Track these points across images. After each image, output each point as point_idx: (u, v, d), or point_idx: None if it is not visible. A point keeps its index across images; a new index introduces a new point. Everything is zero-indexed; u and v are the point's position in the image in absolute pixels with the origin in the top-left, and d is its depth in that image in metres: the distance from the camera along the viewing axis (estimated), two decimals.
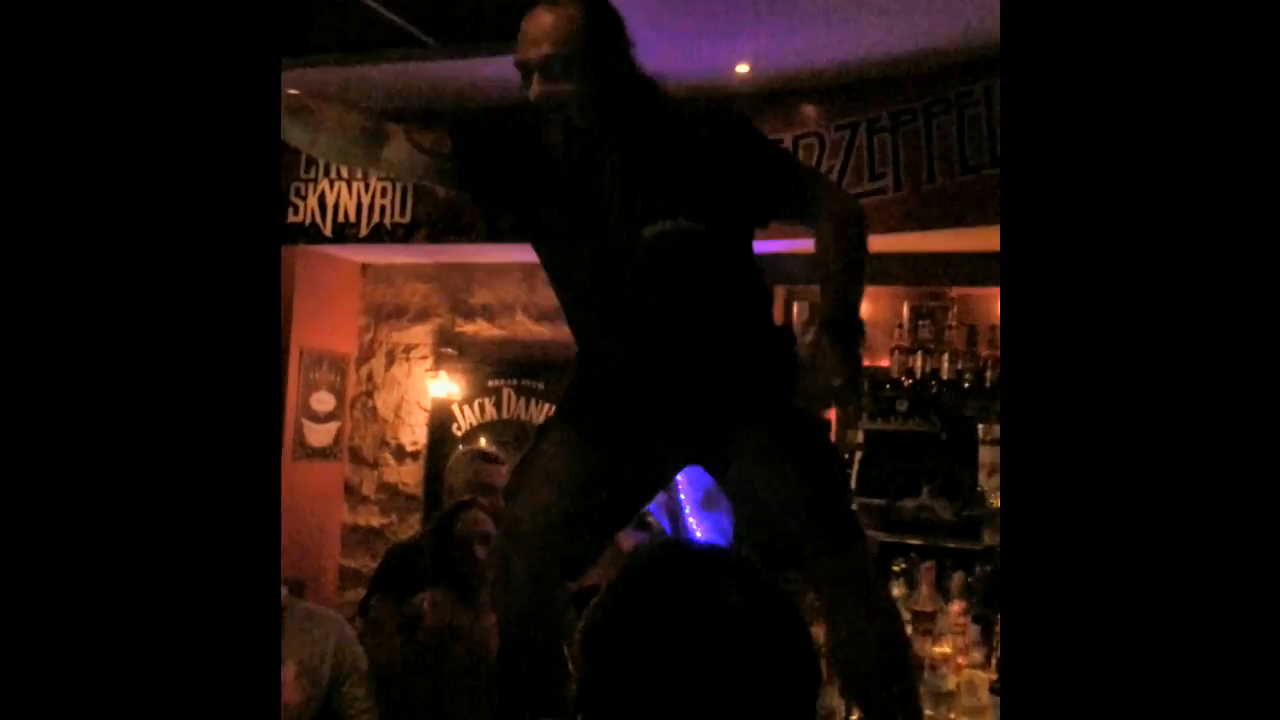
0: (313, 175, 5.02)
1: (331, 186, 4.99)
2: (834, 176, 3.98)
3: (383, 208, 4.91)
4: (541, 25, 1.73)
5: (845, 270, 1.86)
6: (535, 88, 1.74)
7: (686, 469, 2.11)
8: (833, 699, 3.53)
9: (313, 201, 5.01)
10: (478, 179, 1.90)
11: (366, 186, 4.94)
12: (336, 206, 4.98)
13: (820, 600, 1.96)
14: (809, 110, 4.10)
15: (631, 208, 1.78)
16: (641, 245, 1.77)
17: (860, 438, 4.31)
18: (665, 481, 2.08)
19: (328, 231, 4.99)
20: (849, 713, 3.44)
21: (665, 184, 1.79)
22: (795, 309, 4.66)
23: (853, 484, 4.24)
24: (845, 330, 1.81)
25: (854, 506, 4.18)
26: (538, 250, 1.95)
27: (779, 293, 4.58)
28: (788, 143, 4.07)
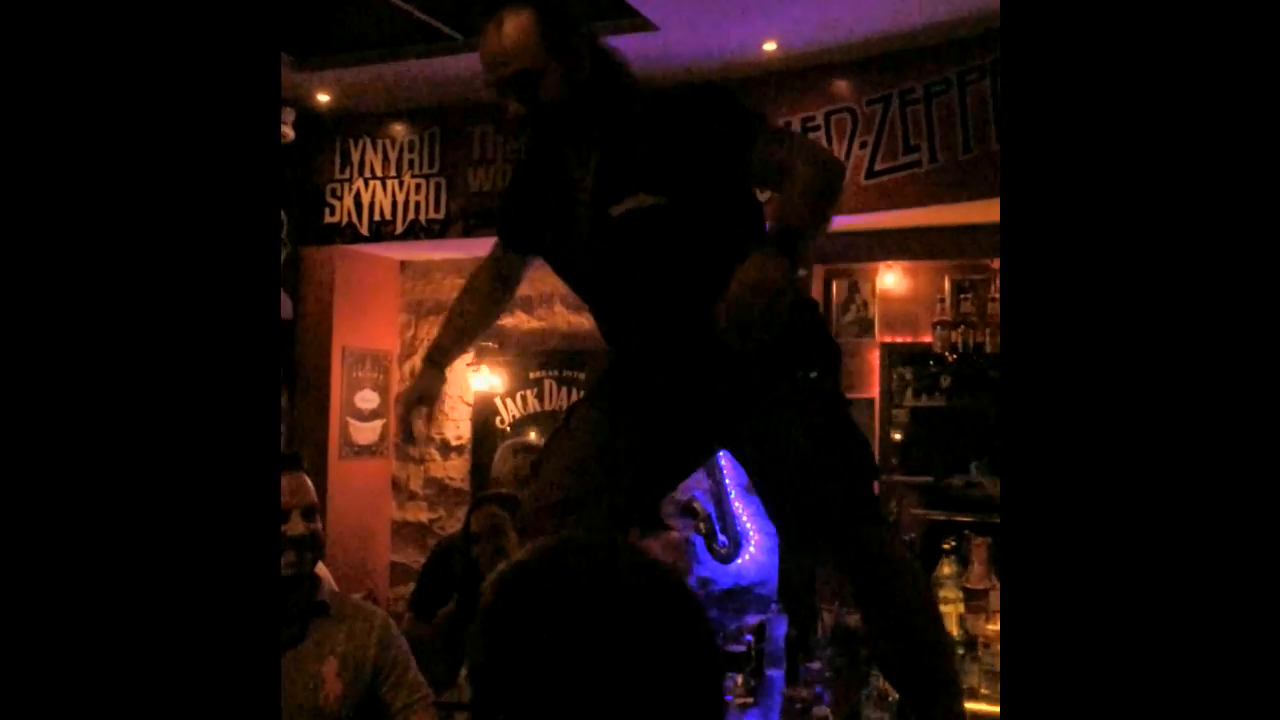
0: (347, 175, 5.05)
1: (366, 186, 5.02)
2: (868, 151, 3.92)
3: (417, 204, 4.93)
4: (500, 44, 1.73)
5: (804, 190, 1.69)
6: (512, 106, 1.76)
7: (731, 454, 2.09)
8: (882, 682, 3.50)
9: (349, 201, 5.04)
10: (530, 246, 2.03)
11: (401, 184, 4.96)
12: (372, 205, 5.00)
13: (851, 585, 1.93)
14: (840, 85, 4.04)
15: (601, 191, 1.79)
16: (610, 225, 1.77)
17: (906, 416, 4.24)
18: (693, 464, 2.06)
19: (365, 231, 5.02)
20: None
21: (631, 163, 1.78)
22: (835, 288, 4.61)
23: (897, 460, 4.18)
24: (781, 243, 1.62)
25: (877, 485, 4.13)
26: (544, 252, 2.00)
27: (817, 271, 4.53)
28: (819, 119, 4.02)
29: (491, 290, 2.14)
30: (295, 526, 2.06)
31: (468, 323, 2.13)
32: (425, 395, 2.06)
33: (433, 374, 2.07)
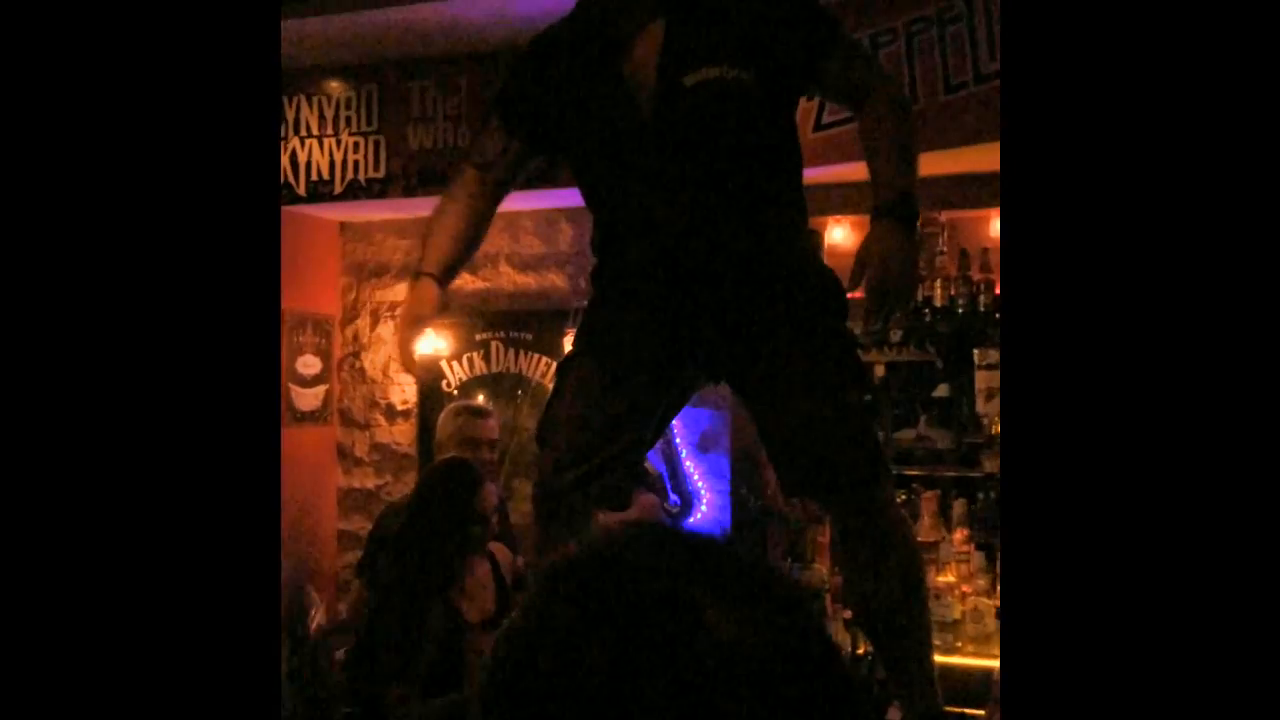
0: (282, 134, 4.90)
1: (303, 144, 4.87)
2: (815, 103, 3.86)
3: (356, 163, 4.80)
4: None
5: (899, 150, 1.74)
6: None
7: (682, 412, 2.05)
8: (839, 633, 3.52)
9: (284, 161, 4.89)
10: (547, 137, 1.89)
11: (339, 143, 4.83)
12: (309, 165, 4.86)
13: (836, 530, 1.92)
14: None
15: (671, 59, 1.72)
16: (680, 96, 1.70)
17: (883, 369, 4.19)
18: (688, 397, 1.99)
19: (301, 191, 4.88)
20: (855, 645, 3.42)
21: (709, 31, 1.73)
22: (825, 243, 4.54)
23: None
24: (903, 212, 1.70)
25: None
26: (569, 150, 1.87)
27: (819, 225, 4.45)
28: None
29: (482, 200, 1.95)
30: None
31: (461, 232, 1.94)
32: (421, 314, 1.87)
33: (428, 286, 1.88)
